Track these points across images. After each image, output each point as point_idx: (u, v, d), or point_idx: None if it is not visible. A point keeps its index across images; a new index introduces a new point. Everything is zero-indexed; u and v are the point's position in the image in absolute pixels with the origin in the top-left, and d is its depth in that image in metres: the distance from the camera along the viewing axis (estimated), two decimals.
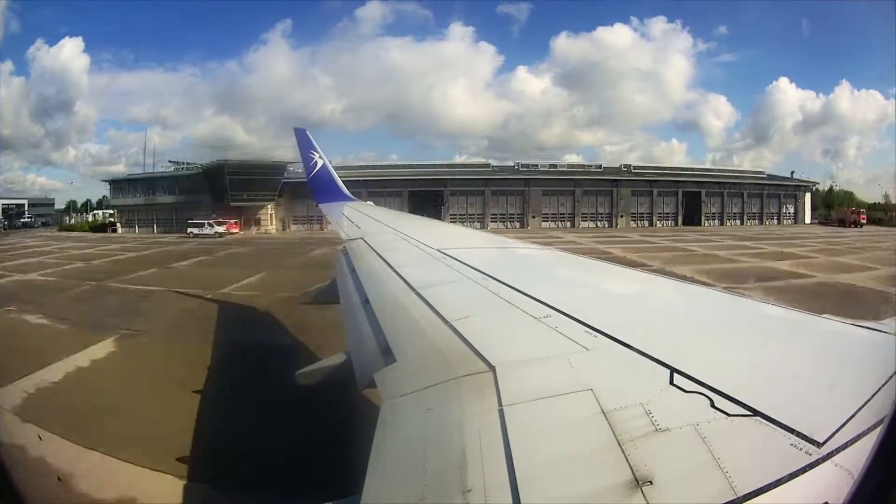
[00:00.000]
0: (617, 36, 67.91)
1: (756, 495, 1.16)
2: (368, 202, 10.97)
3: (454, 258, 3.80)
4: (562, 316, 2.26)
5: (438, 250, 4.15)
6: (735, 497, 1.15)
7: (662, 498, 1.17)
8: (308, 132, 11.10)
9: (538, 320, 2.27)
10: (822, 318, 2.36)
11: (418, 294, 2.91)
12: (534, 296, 2.58)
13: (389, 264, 3.94)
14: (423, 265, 3.95)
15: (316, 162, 10.73)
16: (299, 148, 10.94)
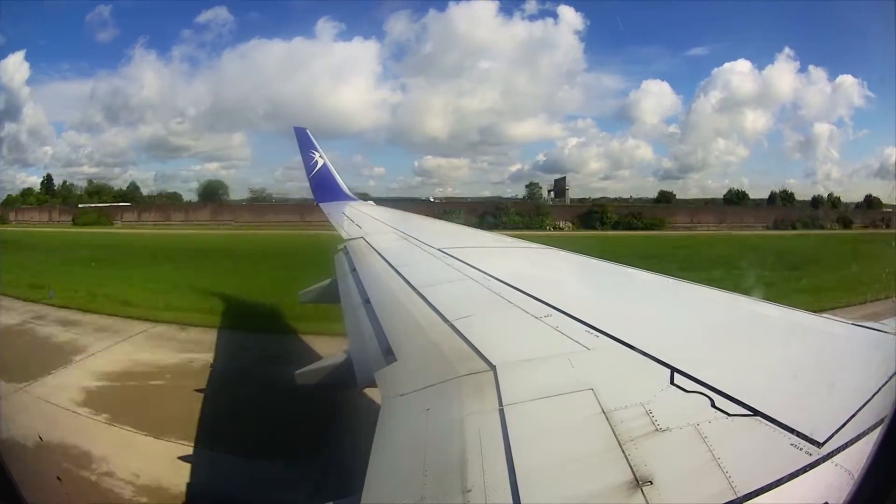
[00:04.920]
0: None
1: (756, 495, 1.15)
2: (369, 202, 10.95)
3: (455, 257, 3.80)
4: (562, 315, 2.26)
5: (439, 249, 4.15)
6: (735, 497, 1.15)
7: (663, 498, 1.16)
8: (308, 131, 11.05)
9: (539, 319, 2.26)
10: (822, 317, 2.37)
11: (419, 293, 2.91)
12: (535, 295, 2.58)
13: (390, 263, 3.93)
14: (424, 264, 3.94)
15: (316, 161, 10.66)
16: (299, 147, 10.85)
